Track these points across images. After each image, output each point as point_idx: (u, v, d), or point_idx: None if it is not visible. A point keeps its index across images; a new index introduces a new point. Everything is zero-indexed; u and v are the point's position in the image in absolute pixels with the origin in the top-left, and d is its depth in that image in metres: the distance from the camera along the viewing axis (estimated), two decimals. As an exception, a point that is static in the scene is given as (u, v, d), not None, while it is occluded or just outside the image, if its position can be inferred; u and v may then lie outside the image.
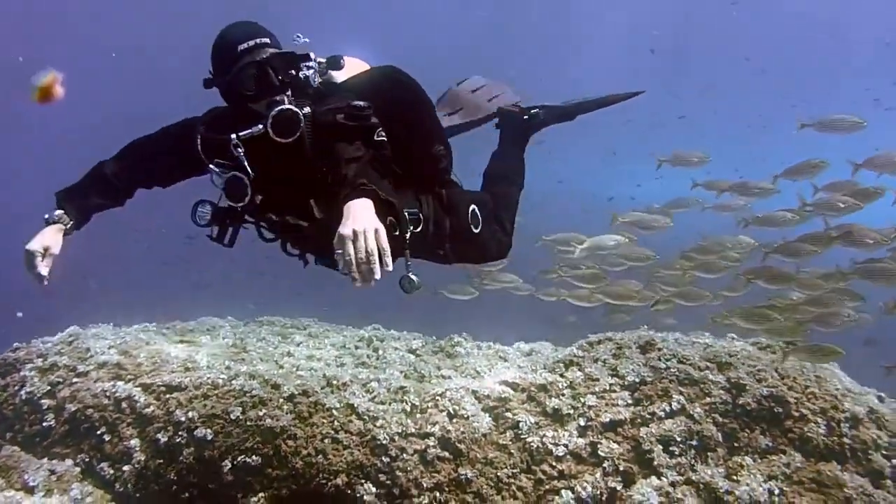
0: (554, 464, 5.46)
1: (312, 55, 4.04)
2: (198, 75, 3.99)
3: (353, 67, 4.38)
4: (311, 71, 4.03)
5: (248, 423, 5.54)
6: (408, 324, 8.84)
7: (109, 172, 4.07)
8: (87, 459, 5.46)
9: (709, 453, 5.49)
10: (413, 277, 4.11)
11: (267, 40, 3.87)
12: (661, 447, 5.48)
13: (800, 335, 6.97)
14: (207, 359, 6.50)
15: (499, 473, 5.37)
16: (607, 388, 5.97)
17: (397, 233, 4.15)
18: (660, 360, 6.11)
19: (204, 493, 5.35)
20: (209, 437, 5.46)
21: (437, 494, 5.21)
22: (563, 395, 5.93)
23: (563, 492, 5.26)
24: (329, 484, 5.26)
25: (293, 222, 4.08)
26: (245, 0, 8.56)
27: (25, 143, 29.47)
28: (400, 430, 5.56)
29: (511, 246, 5.08)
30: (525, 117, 5.89)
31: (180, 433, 5.54)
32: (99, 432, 5.59)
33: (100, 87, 25.87)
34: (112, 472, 5.42)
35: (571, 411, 5.78)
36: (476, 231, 4.65)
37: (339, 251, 3.17)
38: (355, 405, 5.78)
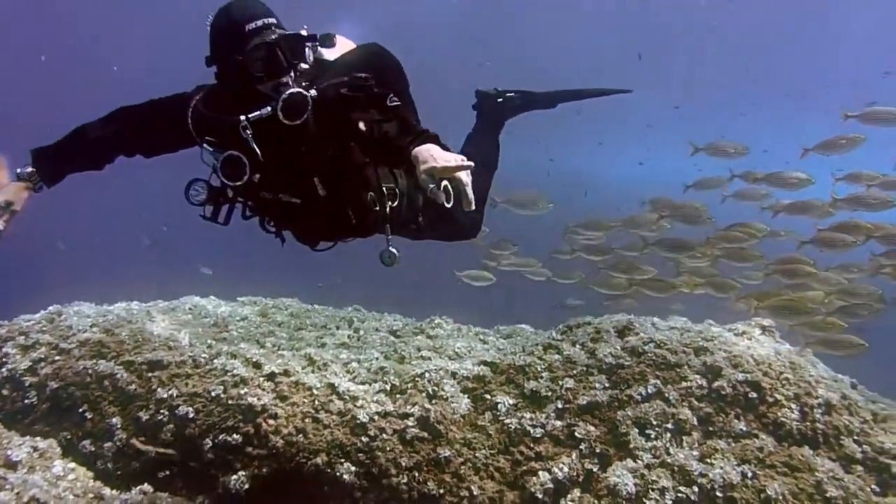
0: (531, 445, 5.53)
1: (314, 36, 4.11)
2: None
3: (340, 46, 4.44)
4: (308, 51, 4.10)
5: (230, 401, 5.57)
6: (388, 305, 8.91)
7: (94, 136, 4.06)
8: (68, 437, 5.48)
9: (684, 437, 5.56)
10: (393, 250, 4.25)
11: (274, 21, 3.92)
12: (637, 430, 5.55)
13: (835, 330, 7.10)
14: (189, 337, 6.52)
15: (477, 454, 5.44)
16: (585, 371, 6.03)
17: (377, 207, 4.27)
18: (637, 344, 6.18)
19: (184, 470, 5.39)
20: (190, 416, 5.49)
21: (416, 474, 5.26)
22: (541, 377, 6.00)
23: (540, 473, 5.32)
24: (309, 463, 5.31)
25: (286, 200, 4.14)
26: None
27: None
28: (379, 410, 5.61)
29: (481, 226, 5.16)
30: (499, 100, 5.99)
31: (161, 411, 5.57)
32: (81, 410, 5.61)
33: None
34: (93, 449, 5.45)
35: (549, 394, 5.84)
36: (448, 206, 4.73)
37: (442, 178, 3.28)
38: (336, 385, 5.83)
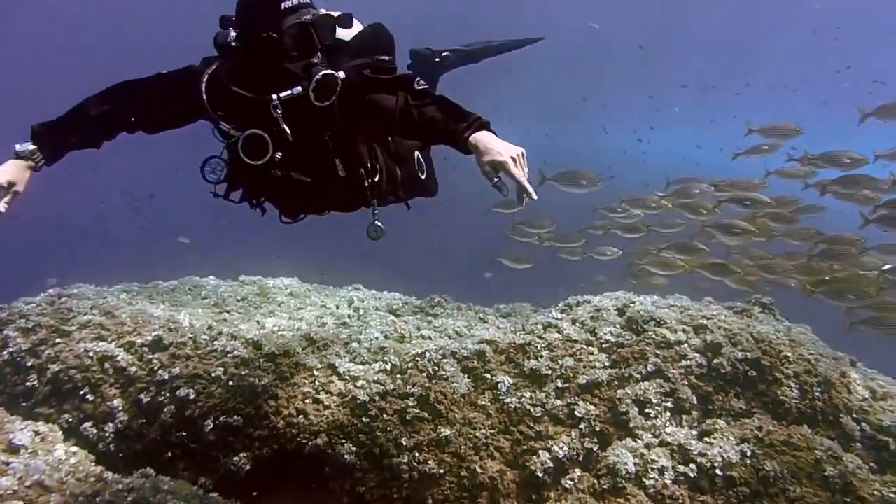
0: (531, 424, 5.54)
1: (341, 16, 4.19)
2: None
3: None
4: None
5: (230, 383, 5.59)
6: (388, 284, 8.92)
7: (96, 112, 4.00)
8: (70, 420, 5.48)
9: (683, 415, 5.59)
10: (379, 224, 4.32)
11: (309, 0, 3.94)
12: (636, 409, 5.57)
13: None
14: (189, 319, 6.53)
15: (477, 434, 5.45)
16: (585, 349, 6.04)
17: (374, 181, 4.33)
18: (637, 322, 6.19)
19: (186, 452, 5.41)
20: (191, 397, 5.51)
21: (417, 454, 5.28)
22: (541, 356, 6.00)
23: (540, 452, 5.34)
24: (310, 444, 5.34)
25: (296, 178, 4.16)
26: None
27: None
28: (380, 391, 5.62)
29: None
30: (437, 59, 6.06)
31: (162, 393, 5.59)
32: (82, 392, 5.61)
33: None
34: (95, 431, 5.46)
35: (549, 372, 5.85)
36: (423, 177, 4.83)
37: (508, 173, 3.36)
38: (336, 365, 5.85)
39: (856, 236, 8.36)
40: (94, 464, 4.99)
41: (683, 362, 5.85)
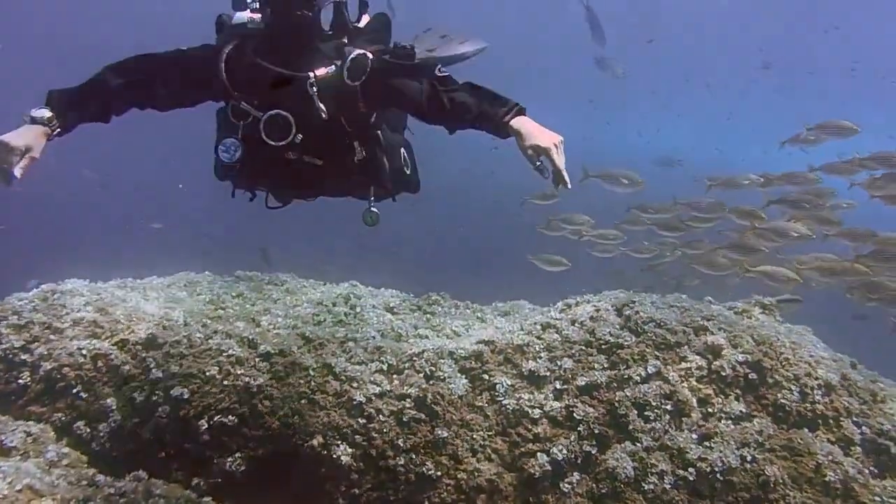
0: (529, 427, 5.49)
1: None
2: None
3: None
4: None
5: (225, 382, 5.53)
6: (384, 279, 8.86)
7: (113, 85, 3.93)
8: (63, 418, 5.42)
9: (683, 418, 5.53)
10: (375, 210, 4.36)
11: None
12: (636, 412, 5.52)
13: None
14: (184, 316, 6.46)
15: (474, 436, 5.41)
16: (584, 350, 5.98)
17: (382, 167, 4.39)
18: (637, 323, 6.13)
19: (179, 453, 5.35)
20: (185, 396, 5.44)
21: (413, 456, 5.24)
22: (539, 357, 5.95)
23: (538, 455, 5.29)
24: (305, 445, 5.28)
25: (308, 160, 4.16)
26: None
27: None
28: (376, 391, 5.57)
29: None
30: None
31: (157, 392, 5.52)
32: (75, 391, 5.55)
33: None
34: (88, 430, 5.40)
35: (548, 374, 5.80)
36: (408, 173, 4.84)
37: (550, 159, 3.47)
38: (332, 365, 5.78)
39: None
40: (86, 465, 4.93)
41: (683, 364, 5.80)
